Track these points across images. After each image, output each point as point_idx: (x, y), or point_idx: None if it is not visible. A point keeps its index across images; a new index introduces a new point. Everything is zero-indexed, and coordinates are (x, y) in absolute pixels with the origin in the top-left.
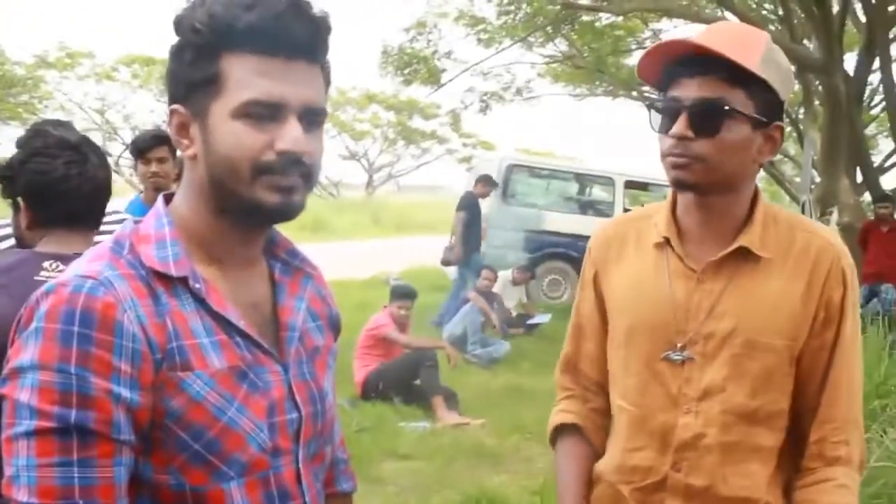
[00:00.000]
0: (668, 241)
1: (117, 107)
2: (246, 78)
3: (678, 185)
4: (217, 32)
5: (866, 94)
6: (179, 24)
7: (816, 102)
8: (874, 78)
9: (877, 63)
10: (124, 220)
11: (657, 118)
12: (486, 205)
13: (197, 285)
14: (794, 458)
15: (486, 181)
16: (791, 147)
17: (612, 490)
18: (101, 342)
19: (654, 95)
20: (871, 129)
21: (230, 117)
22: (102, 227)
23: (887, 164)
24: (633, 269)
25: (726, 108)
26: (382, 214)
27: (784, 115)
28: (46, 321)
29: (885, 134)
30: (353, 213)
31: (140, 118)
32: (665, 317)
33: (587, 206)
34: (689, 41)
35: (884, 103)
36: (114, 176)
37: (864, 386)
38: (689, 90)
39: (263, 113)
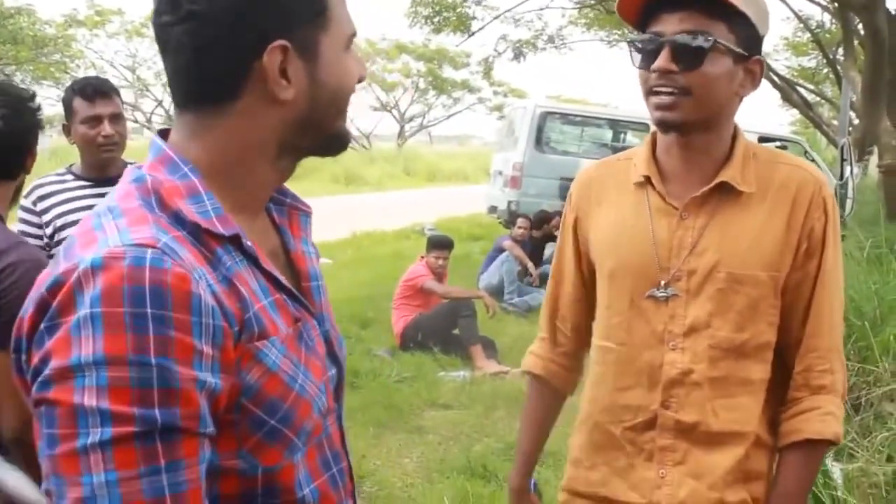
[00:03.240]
0: (648, 179)
1: (148, 63)
2: (340, 9)
3: (664, 125)
4: None
5: None
6: None
7: (856, 42)
8: None
9: None
10: None
11: (637, 56)
12: (520, 153)
13: (248, 243)
14: (780, 390)
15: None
16: (828, 89)
17: (603, 431)
18: (180, 323)
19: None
20: None
21: (342, 50)
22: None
23: None
24: (614, 211)
25: (709, 39)
26: (414, 165)
27: (761, 49)
28: (105, 304)
29: None
30: (384, 164)
31: None
32: (647, 255)
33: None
34: None
35: None
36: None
37: None
38: (671, 25)
39: (350, 43)
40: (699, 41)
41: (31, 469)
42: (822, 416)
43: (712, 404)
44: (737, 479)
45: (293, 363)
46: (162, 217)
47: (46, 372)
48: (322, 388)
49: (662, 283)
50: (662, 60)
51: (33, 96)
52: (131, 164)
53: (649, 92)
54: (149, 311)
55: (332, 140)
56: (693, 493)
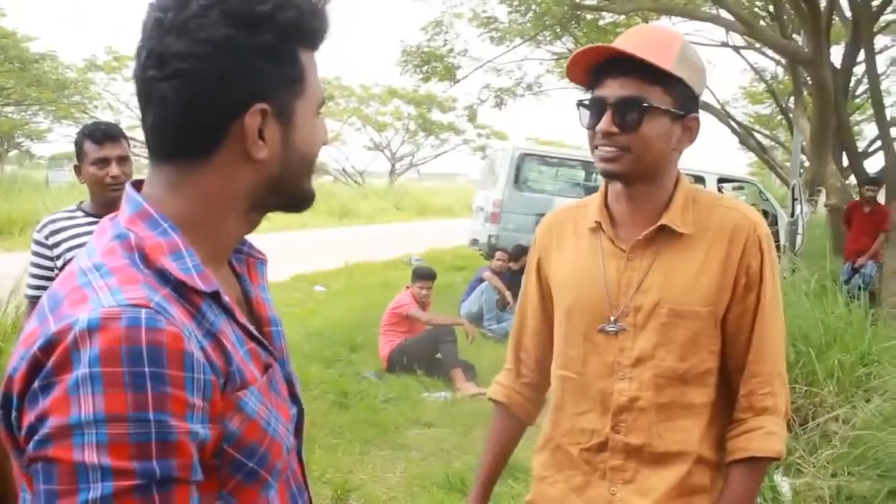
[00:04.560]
0: (599, 225)
1: None
2: (313, 75)
3: (607, 175)
4: (304, 30)
5: (852, 84)
6: (265, 19)
7: (805, 93)
8: (859, 69)
9: (861, 55)
10: None
11: (585, 115)
12: (500, 191)
13: (226, 299)
14: (726, 412)
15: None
16: (781, 134)
17: (563, 451)
18: (175, 379)
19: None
20: (855, 117)
21: (313, 115)
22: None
23: (871, 149)
24: (571, 253)
25: (645, 104)
26: (404, 200)
27: (698, 107)
28: (104, 364)
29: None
30: (376, 199)
31: None
32: (599, 293)
33: (593, 191)
34: (608, 46)
35: (868, 93)
36: None
37: (850, 357)
38: (612, 89)
39: (319, 110)
40: (636, 105)
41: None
42: (764, 435)
43: (657, 427)
44: (680, 494)
45: (267, 408)
46: (148, 274)
47: (44, 430)
48: (290, 427)
49: (612, 318)
50: (604, 123)
51: None
52: None
53: (595, 147)
54: (146, 369)
55: (298, 199)
56: None
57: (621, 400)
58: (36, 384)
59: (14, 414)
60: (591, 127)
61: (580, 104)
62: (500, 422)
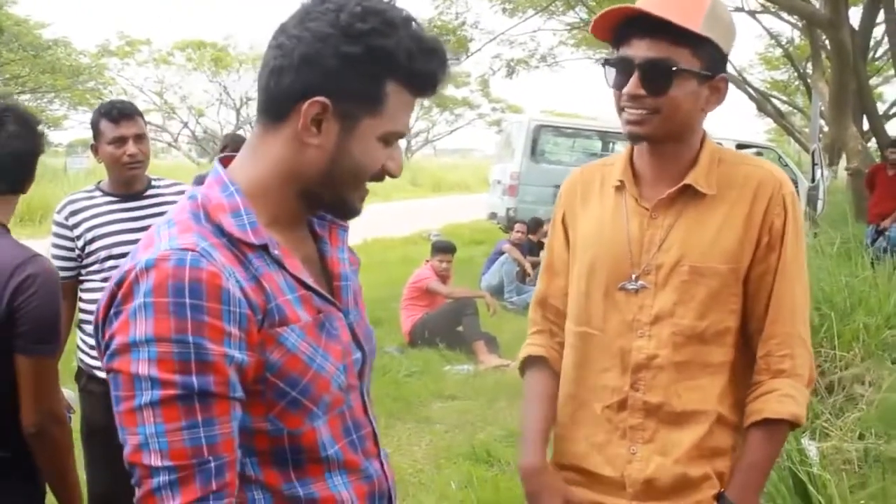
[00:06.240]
0: (623, 183)
1: (174, 88)
2: (398, 109)
3: (633, 138)
4: (397, 63)
5: (871, 46)
6: (361, 35)
7: (824, 56)
8: (878, 31)
9: (881, 17)
10: (184, 190)
11: (611, 74)
12: (517, 163)
13: (276, 252)
14: (748, 375)
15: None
16: (800, 99)
17: (587, 408)
18: (212, 310)
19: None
20: (875, 80)
21: (377, 137)
22: (165, 198)
23: (892, 111)
24: (596, 210)
25: (674, 68)
26: (420, 176)
27: (726, 66)
28: (155, 296)
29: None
30: None
31: (196, 98)
32: (621, 251)
33: (605, 158)
34: (636, 7)
35: (887, 55)
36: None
37: (875, 319)
38: (640, 49)
39: (392, 139)
40: (664, 68)
41: (53, 461)
42: (780, 398)
43: (675, 386)
44: (701, 455)
45: (311, 346)
46: (206, 227)
47: (112, 347)
48: (342, 368)
49: (633, 276)
50: (632, 86)
51: (40, 122)
52: (155, 179)
53: (621, 109)
54: (187, 300)
55: (339, 205)
56: (659, 468)
57: (639, 358)
58: (111, 311)
59: (100, 337)
60: (619, 87)
61: (606, 62)
62: (540, 376)
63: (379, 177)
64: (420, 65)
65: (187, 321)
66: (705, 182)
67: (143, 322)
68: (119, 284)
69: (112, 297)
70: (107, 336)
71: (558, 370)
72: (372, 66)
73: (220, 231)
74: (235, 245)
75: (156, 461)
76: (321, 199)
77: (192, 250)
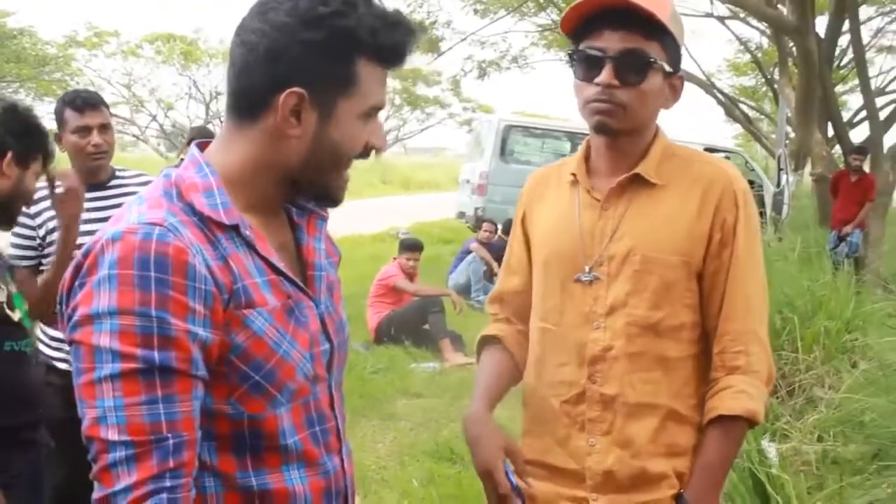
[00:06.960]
0: (575, 177)
1: (143, 81)
2: (372, 85)
3: (601, 129)
4: (362, 41)
5: (836, 54)
6: (323, 19)
7: (790, 63)
8: (843, 40)
9: (846, 25)
10: (149, 181)
11: (579, 67)
12: (486, 163)
13: (247, 232)
14: (707, 373)
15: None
16: (767, 105)
17: (546, 404)
18: (177, 285)
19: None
20: (840, 88)
21: (356, 116)
22: (130, 189)
23: (856, 119)
24: (552, 207)
25: (650, 59)
26: (390, 174)
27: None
28: (120, 268)
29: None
30: (363, 173)
31: (165, 91)
32: (574, 244)
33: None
34: None
35: (852, 63)
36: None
37: (835, 323)
38: (613, 41)
39: (372, 114)
40: (640, 59)
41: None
42: (734, 394)
43: (630, 377)
44: (659, 452)
45: (278, 331)
46: (177, 205)
47: (75, 318)
48: (309, 356)
49: (587, 268)
50: (606, 76)
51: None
52: (119, 170)
53: (587, 101)
54: (152, 274)
55: (324, 193)
56: (618, 461)
57: (595, 349)
58: (76, 282)
59: (63, 307)
60: (588, 79)
61: (573, 55)
62: (493, 350)
63: (365, 154)
64: (385, 38)
65: (151, 294)
66: (655, 172)
67: (106, 294)
68: (85, 255)
69: (78, 267)
70: (70, 307)
71: (513, 350)
72: (338, 48)
73: (192, 210)
74: (206, 224)
75: (113, 435)
76: (302, 187)
77: (160, 225)
